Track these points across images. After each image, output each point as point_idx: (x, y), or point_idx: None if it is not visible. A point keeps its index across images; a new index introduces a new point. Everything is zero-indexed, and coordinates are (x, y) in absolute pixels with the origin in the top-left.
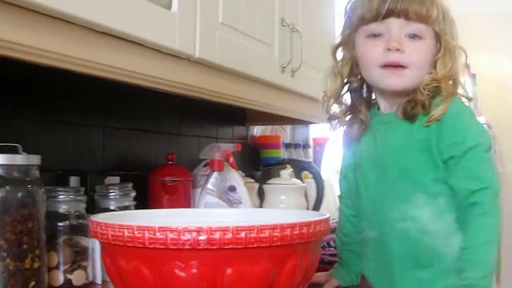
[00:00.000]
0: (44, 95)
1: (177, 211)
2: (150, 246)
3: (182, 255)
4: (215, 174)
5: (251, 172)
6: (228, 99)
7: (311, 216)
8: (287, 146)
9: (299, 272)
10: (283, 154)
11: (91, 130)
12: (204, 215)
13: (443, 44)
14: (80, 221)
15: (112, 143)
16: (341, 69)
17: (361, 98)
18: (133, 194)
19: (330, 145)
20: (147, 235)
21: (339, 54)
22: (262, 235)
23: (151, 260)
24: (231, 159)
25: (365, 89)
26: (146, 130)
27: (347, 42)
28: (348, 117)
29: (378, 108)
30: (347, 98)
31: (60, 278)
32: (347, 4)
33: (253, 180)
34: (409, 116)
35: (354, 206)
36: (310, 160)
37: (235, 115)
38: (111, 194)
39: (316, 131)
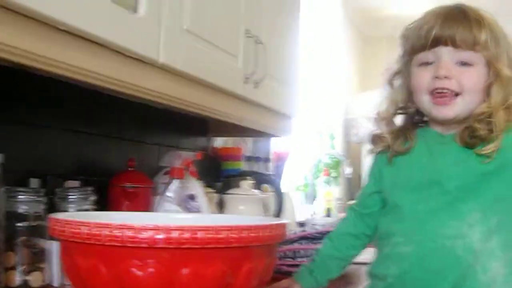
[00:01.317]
0: (7, 95)
1: (136, 214)
2: (107, 244)
3: (139, 253)
4: (175, 182)
5: (212, 183)
6: (190, 107)
7: (268, 221)
8: (248, 158)
9: (255, 276)
10: (243, 166)
11: (53, 133)
12: (162, 219)
13: (493, 72)
14: (39, 222)
15: (74, 147)
16: (397, 96)
17: (413, 121)
18: (92, 197)
19: (291, 159)
20: (105, 232)
21: (396, 82)
22: (219, 236)
23: (109, 258)
24: (192, 168)
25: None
26: (108, 136)
27: (403, 70)
28: (393, 135)
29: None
30: (397, 120)
31: (17, 279)
32: (402, 32)
33: (213, 191)
34: (468, 145)
35: (377, 224)
36: (271, 173)
37: (197, 126)
38: (70, 197)
39: (277, 145)
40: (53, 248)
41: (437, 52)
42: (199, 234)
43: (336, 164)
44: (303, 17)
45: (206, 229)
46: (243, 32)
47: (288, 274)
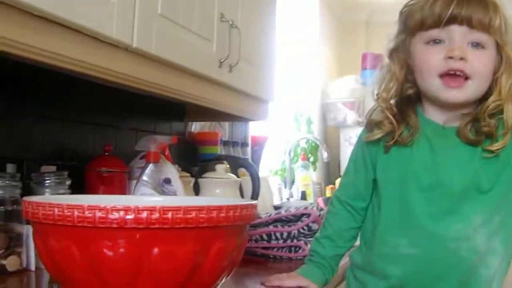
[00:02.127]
0: None
1: (110, 197)
2: (79, 225)
3: (110, 234)
4: (150, 166)
5: (189, 168)
6: (165, 91)
7: (238, 201)
8: (225, 143)
9: (225, 256)
10: (220, 151)
11: (29, 119)
12: (137, 201)
13: (504, 58)
14: (15, 206)
15: (50, 132)
16: (399, 73)
17: (410, 104)
18: (68, 182)
19: (269, 144)
20: (76, 213)
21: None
22: (189, 216)
23: (80, 239)
24: (167, 152)
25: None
26: (85, 121)
27: (401, 47)
28: (391, 122)
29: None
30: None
31: None
32: (404, 8)
33: (189, 175)
34: (472, 142)
35: (371, 218)
36: (247, 157)
37: (174, 110)
38: (46, 181)
39: (255, 129)
40: (30, 232)
41: (451, 31)
42: (169, 215)
43: (314, 149)
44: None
45: (175, 209)
46: (218, 16)
47: (263, 257)
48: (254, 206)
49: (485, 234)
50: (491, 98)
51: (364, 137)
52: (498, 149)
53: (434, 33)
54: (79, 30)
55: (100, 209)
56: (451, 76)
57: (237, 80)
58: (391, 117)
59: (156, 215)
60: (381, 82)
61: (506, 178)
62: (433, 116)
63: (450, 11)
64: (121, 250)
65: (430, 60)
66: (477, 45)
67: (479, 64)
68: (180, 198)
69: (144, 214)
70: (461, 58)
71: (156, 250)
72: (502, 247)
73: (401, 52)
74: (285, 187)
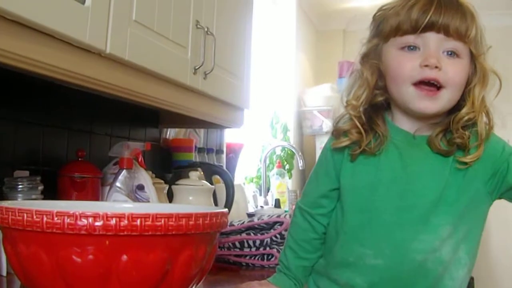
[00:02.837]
0: None
1: (81, 203)
2: (48, 231)
3: (79, 240)
4: (124, 172)
5: (163, 174)
6: (139, 97)
7: (208, 209)
8: (200, 150)
9: (194, 263)
10: (195, 158)
11: (3, 124)
12: (107, 208)
13: (478, 68)
14: None
15: (23, 137)
16: (371, 79)
17: (379, 111)
18: (40, 187)
19: (245, 151)
20: (45, 219)
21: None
22: (158, 223)
23: (49, 245)
24: (140, 158)
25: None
26: (58, 126)
27: (373, 53)
28: (359, 132)
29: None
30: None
31: None
32: (378, 12)
33: (162, 181)
34: (442, 152)
35: (334, 226)
36: (222, 164)
37: (148, 117)
38: (19, 186)
39: (231, 136)
40: (0, 237)
41: (426, 38)
42: (138, 222)
43: (290, 156)
44: (257, 10)
45: (144, 216)
46: (193, 23)
47: (235, 264)
48: (224, 214)
49: (451, 246)
50: (464, 110)
51: (330, 144)
52: (472, 161)
53: (410, 39)
54: (52, 35)
55: (69, 216)
56: (425, 84)
57: (212, 87)
58: (359, 125)
59: (125, 222)
60: (351, 89)
61: (473, 189)
62: (403, 124)
63: (428, 18)
64: (90, 256)
65: (404, 67)
66: (452, 53)
67: (454, 73)
68: (151, 205)
69: (113, 221)
70: (436, 67)
71: (125, 257)
72: (468, 258)
73: (373, 58)
74: (260, 195)
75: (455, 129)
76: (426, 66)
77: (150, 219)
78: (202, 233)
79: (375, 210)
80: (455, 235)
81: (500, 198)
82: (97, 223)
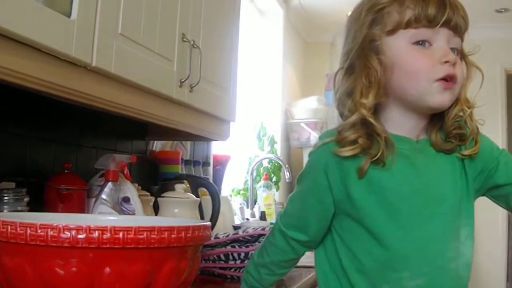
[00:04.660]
0: None
1: (67, 215)
2: (31, 243)
3: (62, 253)
4: (109, 184)
5: (149, 186)
6: (125, 110)
7: (190, 222)
8: (187, 162)
9: (177, 276)
10: (181, 170)
11: None
12: (95, 221)
13: (468, 66)
14: None
15: (9, 149)
16: (380, 71)
17: (377, 115)
18: (26, 199)
19: (232, 163)
20: (28, 231)
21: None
22: (140, 236)
23: (33, 257)
24: (126, 171)
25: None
26: (45, 138)
27: (369, 45)
28: (367, 136)
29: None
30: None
31: None
32: (377, 6)
33: (148, 193)
34: (448, 151)
35: (350, 261)
36: (208, 177)
37: (135, 129)
38: (5, 198)
39: (218, 148)
40: None
41: (440, 34)
42: (120, 235)
43: (277, 169)
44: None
45: (126, 229)
46: (179, 36)
47: (220, 277)
48: (206, 227)
49: (471, 248)
50: (457, 107)
51: (335, 151)
52: (473, 153)
53: (426, 33)
54: (37, 48)
55: (52, 228)
56: (445, 81)
57: (198, 100)
58: (376, 128)
59: (107, 235)
60: (352, 89)
61: (472, 186)
62: (400, 130)
63: (446, 14)
64: (73, 269)
65: (424, 62)
66: (455, 50)
67: (461, 70)
68: (134, 218)
69: (96, 234)
70: (455, 63)
71: (107, 269)
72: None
73: (373, 50)
74: (247, 207)
75: (449, 125)
76: (446, 62)
77: (133, 232)
78: (184, 246)
79: (402, 228)
80: (472, 236)
81: (483, 195)
82: (80, 236)
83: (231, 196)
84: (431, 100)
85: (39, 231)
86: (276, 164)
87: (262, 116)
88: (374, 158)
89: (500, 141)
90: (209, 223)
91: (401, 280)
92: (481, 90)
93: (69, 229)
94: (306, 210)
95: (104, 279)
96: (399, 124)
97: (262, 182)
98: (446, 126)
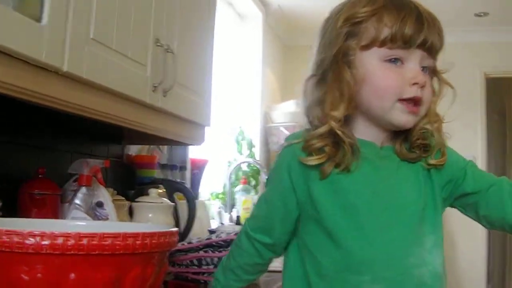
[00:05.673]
0: None
1: (42, 221)
2: None
3: (27, 259)
4: (83, 189)
5: (126, 191)
6: (98, 115)
7: (156, 228)
8: (163, 166)
9: (143, 282)
10: (158, 174)
11: None
12: (68, 226)
13: (440, 83)
14: None
15: None
16: (353, 84)
17: (345, 124)
18: None
19: (209, 167)
20: None
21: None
22: (104, 242)
23: None
24: (100, 175)
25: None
26: (19, 143)
27: (343, 57)
28: (333, 145)
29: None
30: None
31: None
32: (355, 19)
33: (123, 198)
34: (412, 159)
35: (311, 261)
36: (184, 181)
37: (111, 133)
38: None
39: (195, 153)
40: None
41: (413, 54)
42: (84, 241)
43: (256, 172)
44: (223, 26)
45: (91, 235)
46: (153, 41)
47: (193, 282)
48: (173, 234)
49: (439, 257)
50: (424, 121)
51: (301, 159)
52: (439, 164)
53: (399, 53)
54: (7, 53)
55: (17, 234)
56: (411, 101)
57: (172, 105)
58: (342, 140)
59: (71, 242)
60: (322, 99)
61: (439, 196)
62: (368, 137)
63: (422, 36)
64: (38, 275)
65: (392, 81)
66: (426, 69)
67: (429, 91)
68: (103, 224)
69: (60, 240)
70: (423, 86)
71: (73, 275)
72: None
73: (347, 63)
74: (226, 211)
75: (414, 136)
76: (415, 84)
77: (97, 239)
78: (150, 252)
79: (364, 231)
80: (439, 244)
81: (453, 206)
82: (44, 242)
83: (209, 200)
84: (394, 119)
85: (4, 237)
86: (254, 168)
87: (241, 120)
88: (339, 165)
89: (479, 144)
90: (176, 229)
91: (361, 284)
92: (461, 93)
93: (34, 236)
94: (270, 212)
95: (69, 286)
96: (363, 131)
97: (240, 186)
98: (411, 137)
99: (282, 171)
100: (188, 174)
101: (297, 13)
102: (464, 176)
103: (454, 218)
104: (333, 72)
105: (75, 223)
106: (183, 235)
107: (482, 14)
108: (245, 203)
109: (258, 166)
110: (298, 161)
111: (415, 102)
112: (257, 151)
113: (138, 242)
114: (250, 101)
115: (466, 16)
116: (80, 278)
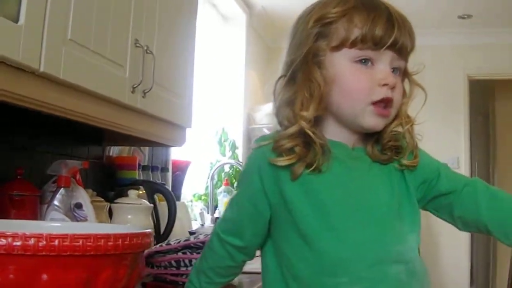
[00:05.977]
0: None
1: (17, 222)
2: None
3: None
4: (61, 190)
5: (106, 192)
6: (76, 116)
7: (129, 230)
8: (144, 168)
9: (115, 284)
10: (139, 175)
11: None
12: (41, 228)
13: (410, 84)
14: None
15: None
16: (324, 85)
17: (316, 125)
18: None
19: (192, 168)
20: None
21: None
22: (76, 244)
23: None
24: (78, 176)
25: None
26: None
27: (313, 57)
28: (304, 145)
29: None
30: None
31: None
32: (326, 19)
33: (102, 199)
34: (384, 160)
35: (288, 264)
36: (164, 183)
37: (91, 134)
38: None
39: (178, 154)
40: None
41: (383, 55)
42: (56, 242)
43: (238, 174)
44: (209, 27)
45: (62, 237)
46: (132, 41)
47: (172, 284)
48: (146, 235)
49: (416, 255)
50: (395, 123)
51: (271, 160)
52: (411, 165)
53: (369, 54)
54: None
55: None
56: (381, 104)
57: (151, 106)
58: (313, 140)
59: (43, 243)
60: (292, 99)
61: (413, 195)
62: (338, 138)
63: (393, 37)
64: (11, 276)
65: (363, 83)
66: (396, 70)
67: (399, 93)
68: (76, 225)
69: (32, 241)
70: (393, 87)
71: (45, 276)
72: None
73: (317, 64)
74: (208, 212)
75: (385, 138)
76: (385, 85)
77: (68, 240)
78: (122, 254)
79: (339, 232)
80: (416, 242)
81: (425, 209)
82: (15, 243)
83: (191, 201)
84: (364, 121)
85: None
86: (237, 169)
87: (224, 121)
88: (310, 166)
89: (463, 145)
90: (149, 230)
91: (339, 286)
92: (444, 95)
93: (5, 236)
94: (241, 214)
95: (41, 287)
96: (334, 132)
97: (223, 187)
98: (382, 139)
99: (252, 174)
100: (169, 175)
101: (281, 15)
102: (438, 176)
103: (437, 219)
104: (303, 73)
105: (50, 224)
106: (164, 236)
107: (465, 16)
108: (227, 204)
109: (240, 168)
110: (268, 163)
111: (385, 103)
112: (240, 153)
113: (109, 243)
114: (233, 102)
115: (450, 18)
116: (52, 279)
